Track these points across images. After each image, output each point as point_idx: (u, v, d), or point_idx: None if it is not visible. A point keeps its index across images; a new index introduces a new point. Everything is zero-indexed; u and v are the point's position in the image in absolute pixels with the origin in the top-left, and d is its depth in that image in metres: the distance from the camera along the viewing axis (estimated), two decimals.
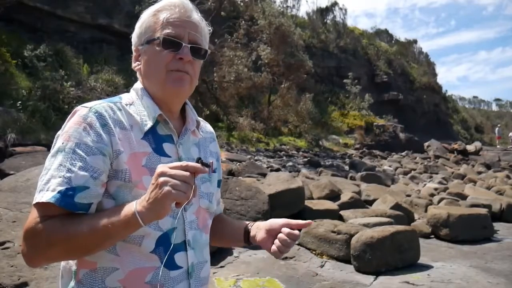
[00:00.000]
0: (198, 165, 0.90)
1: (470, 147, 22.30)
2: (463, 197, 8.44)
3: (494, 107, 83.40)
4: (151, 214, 0.89)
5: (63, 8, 14.98)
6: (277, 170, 10.92)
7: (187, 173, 0.88)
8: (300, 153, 17.16)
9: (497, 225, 6.68)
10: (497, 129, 32.29)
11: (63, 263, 1.08)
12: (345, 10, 34.54)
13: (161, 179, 0.87)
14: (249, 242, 1.26)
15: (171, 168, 0.88)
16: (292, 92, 21.06)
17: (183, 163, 0.90)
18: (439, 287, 3.91)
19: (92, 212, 0.98)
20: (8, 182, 3.72)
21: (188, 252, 1.09)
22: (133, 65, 1.16)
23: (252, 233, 1.24)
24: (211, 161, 0.97)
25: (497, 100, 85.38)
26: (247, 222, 1.30)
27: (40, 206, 0.94)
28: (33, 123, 9.87)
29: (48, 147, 8.32)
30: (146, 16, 1.13)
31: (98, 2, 16.05)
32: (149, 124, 1.07)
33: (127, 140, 1.03)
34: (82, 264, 1.03)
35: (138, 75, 1.18)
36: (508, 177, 13.34)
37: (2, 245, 2.84)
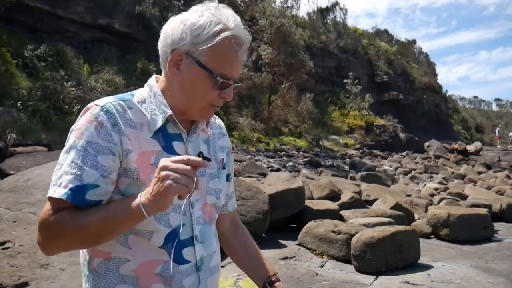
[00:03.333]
0: (199, 159, 0.94)
1: (470, 147, 22.30)
2: (463, 197, 8.44)
3: (495, 107, 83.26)
4: (155, 206, 0.93)
5: (64, 8, 14.96)
6: (277, 170, 10.94)
7: (188, 167, 0.91)
8: (300, 153, 17.17)
9: (497, 225, 6.68)
10: (497, 129, 32.28)
11: (81, 253, 1.14)
12: (346, 10, 34.46)
13: (163, 173, 0.90)
14: None
15: (173, 162, 0.91)
16: (293, 92, 21.07)
17: (185, 157, 0.93)
18: (439, 287, 3.91)
19: None
20: (8, 182, 3.72)
21: (196, 246, 1.13)
22: (170, 70, 1.08)
23: None
24: (222, 157, 1.03)
25: (497, 100, 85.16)
26: (270, 274, 1.29)
27: (52, 199, 0.99)
28: (34, 123, 9.90)
29: (49, 147, 8.35)
30: (212, 28, 1.03)
31: (99, 2, 16.02)
32: (159, 123, 1.09)
33: (136, 139, 1.06)
34: (96, 253, 1.08)
35: (163, 75, 1.13)
36: (508, 177, 13.34)
37: (2, 245, 2.84)
